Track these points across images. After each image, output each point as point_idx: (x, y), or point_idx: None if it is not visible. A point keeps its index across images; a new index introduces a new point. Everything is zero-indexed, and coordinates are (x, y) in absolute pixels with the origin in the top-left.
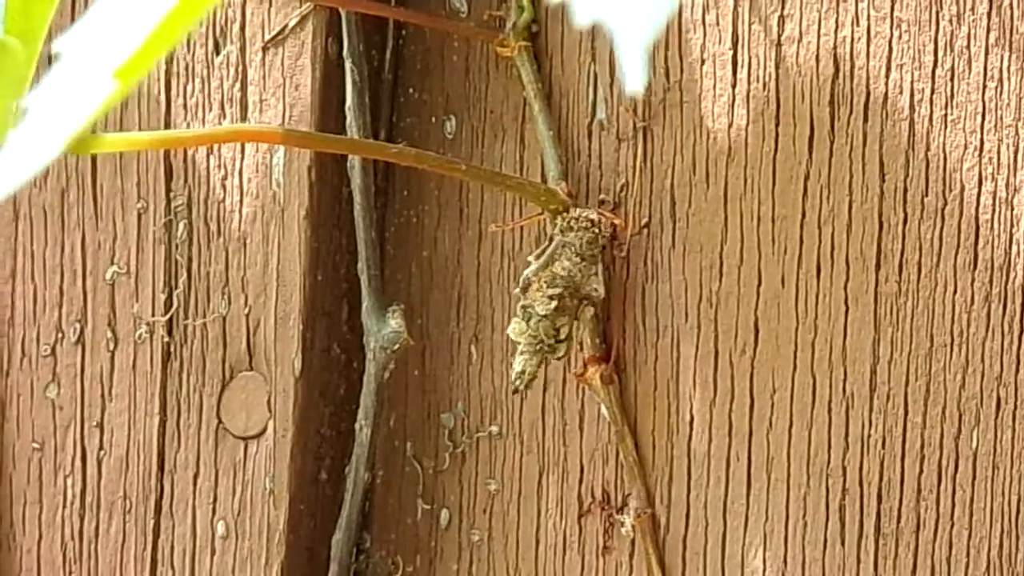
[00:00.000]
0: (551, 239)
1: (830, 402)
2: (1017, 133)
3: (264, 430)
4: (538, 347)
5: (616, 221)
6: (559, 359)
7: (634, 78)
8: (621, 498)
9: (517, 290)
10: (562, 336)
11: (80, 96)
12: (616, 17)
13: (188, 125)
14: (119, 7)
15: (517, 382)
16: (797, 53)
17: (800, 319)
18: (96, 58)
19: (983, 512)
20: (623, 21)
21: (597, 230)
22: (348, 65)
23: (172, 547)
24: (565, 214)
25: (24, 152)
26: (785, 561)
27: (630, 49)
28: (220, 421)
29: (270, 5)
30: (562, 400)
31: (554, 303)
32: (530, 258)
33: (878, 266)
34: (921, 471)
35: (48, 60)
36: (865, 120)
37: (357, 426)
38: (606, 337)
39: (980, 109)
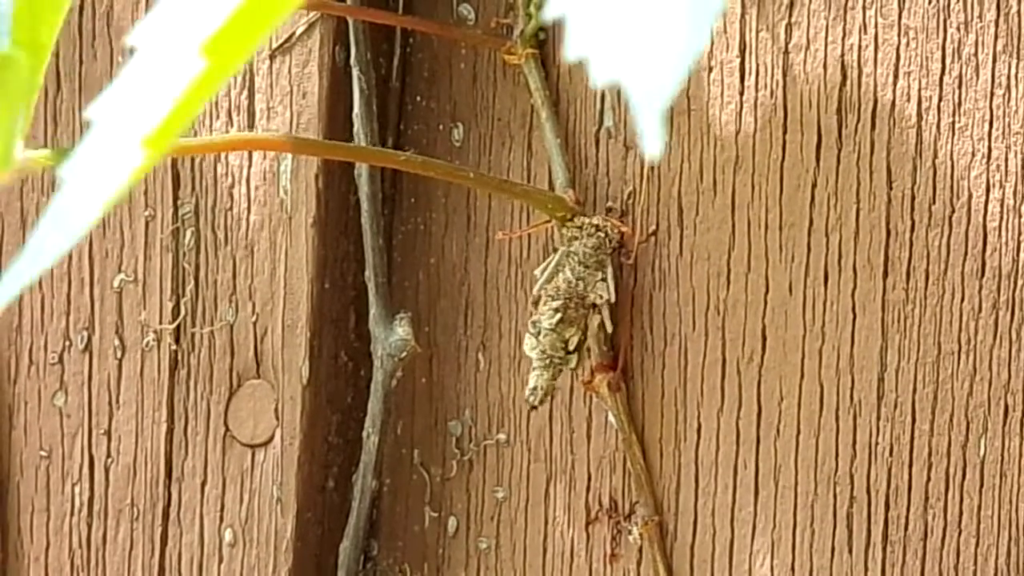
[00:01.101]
0: (556, 251)
1: (837, 409)
2: None
3: (271, 438)
4: (548, 361)
5: (623, 229)
6: (572, 370)
7: (653, 143)
8: (629, 506)
9: (531, 306)
10: (571, 347)
11: (110, 167)
12: (633, 80)
13: (195, 133)
14: (143, 73)
15: (531, 398)
16: (804, 61)
17: (808, 327)
18: (125, 125)
19: (991, 520)
20: (641, 84)
21: (603, 235)
22: (355, 73)
23: (180, 555)
24: (570, 223)
25: (59, 225)
26: (793, 569)
27: (648, 113)
28: (227, 429)
29: None
30: (570, 408)
31: (558, 315)
32: (536, 272)
33: (886, 274)
34: (929, 479)
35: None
36: (873, 127)
37: (364, 434)
38: (613, 345)
39: (988, 116)
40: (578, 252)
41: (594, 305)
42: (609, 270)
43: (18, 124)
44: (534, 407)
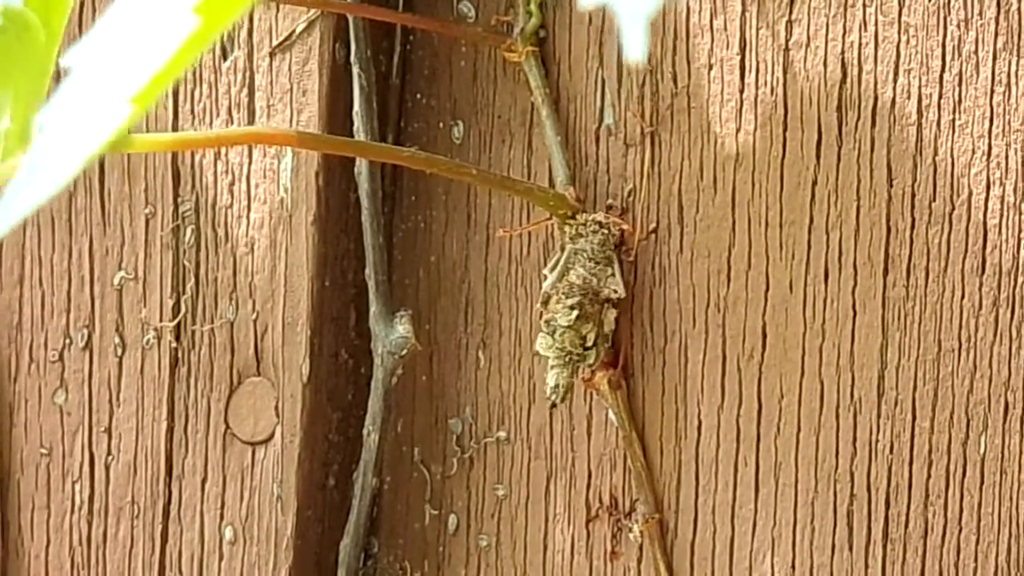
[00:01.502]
0: (562, 248)
1: (838, 407)
2: None
3: (272, 435)
4: (567, 359)
5: (624, 226)
6: (591, 366)
7: (635, 47)
8: (629, 503)
9: (539, 305)
10: (589, 343)
11: (94, 120)
12: None
13: (196, 131)
14: (130, 21)
15: (553, 396)
16: (805, 58)
17: (808, 324)
18: (109, 78)
19: (991, 517)
20: None
21: (606, 231)
22: (356, 70)
23: (180, 552)
24: (572, 220)
25: (36, 177)
26: (793, 566)
27: (632, 19)
28: (228, 426)
29: (277, 10)
30: (570, 405)
31: (575, 312)
32: (545, 271)
33: (886, 271)
34: (929, 476)
35: (57, 74)
36: (873, 125)
37: (365, 431)
38: (614, 342)
39: (988, 114)
40: (586, 249)
41: (608, 300)
42: (616, 265)
43: (36, 98)
44: (555, 405)
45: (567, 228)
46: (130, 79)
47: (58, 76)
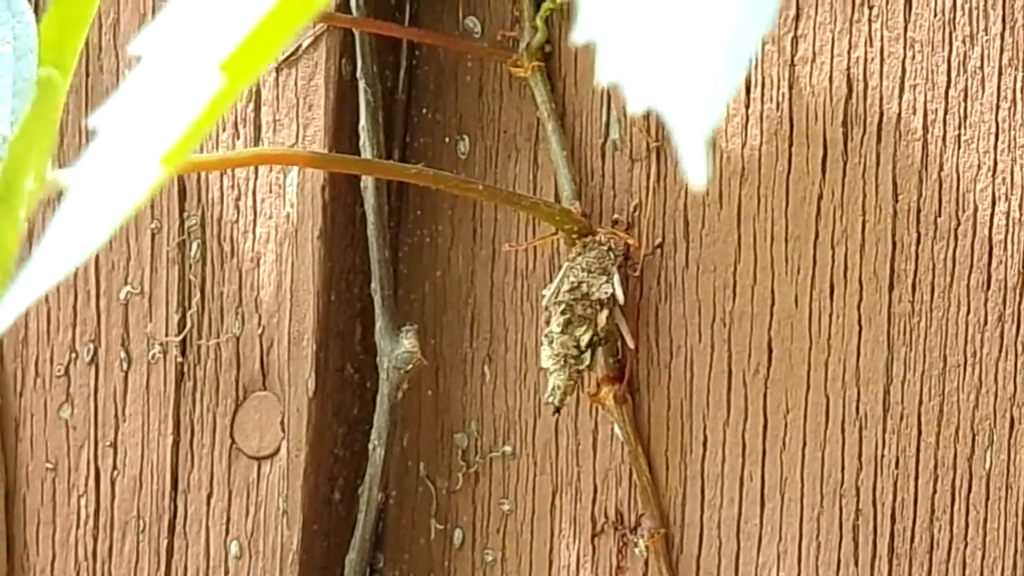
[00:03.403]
0: (562, 268)
1: (843, 422)
2: None
3: (277, 450)
4: (563, 362)
5: (629, 241)
6: (588, 368)
7: (697, 172)
8: (635, 518)
9: (543, 322)
10: (584, 346)
11: (124, 181)
12: (673, 106)
13: (201, 146)
14: (156, 86)
15: (551, 399)
16: (810, 73)
17: (813, 339)
18: (137, 138)
19: (996, 532)
20: (681, 111)
21: (606, 248)
22: (362, 85)
23: (185, 567)
24: (578, 241)
25: (69, 237)
26: None
27: (690, 141)
28: (233, 441)
29: None
30: (575, 420)
31: (565, 316)
32: (544, 292)
33: (891, 286)
34: (935, 491)
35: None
36: (878, 140)
37: (370, 446)
38: (620, 357)
39: (993, 129)
40: (580, 263)
41: (601, 303)
42: (616, 277)
43: (49, 151)
44: (557, 409)
45: (571, 251)
46: (159, 139)
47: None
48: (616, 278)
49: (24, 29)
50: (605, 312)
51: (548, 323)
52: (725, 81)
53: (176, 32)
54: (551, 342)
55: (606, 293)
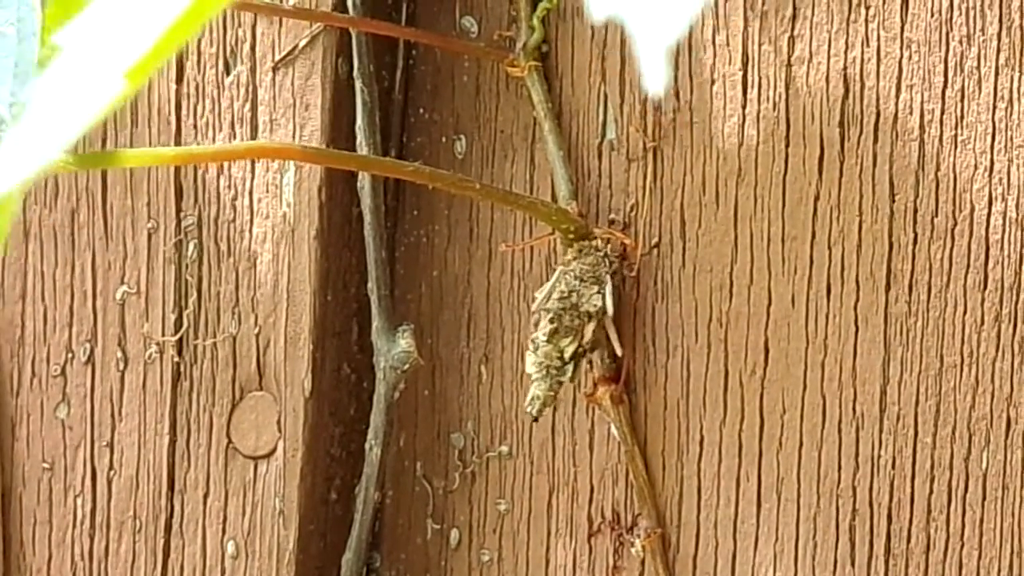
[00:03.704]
0: (555, 271)
1: (840, 422)
2: None
3: (274, 450)
4: (545, 372)
5: (626, 241)
6: (570, 380)
7: (655, 79)
8: (631, 518)
9: (532, 326)
10: (567, 357)
11: (87, 95)
12: (635, 16)
13: (198, 146)
14: (123, 3)
15: (530, 408)
16: (807, 74)
17: (810, 339)
18: (102, 55)
19: (993, 533)
20: (643, 21)
21: (601, 254)
22: (358, 85)
23: (182, 567)
24: (575, 244)
25: (26, 150)
26: None
27: (650, 50)
28: (230, 441)
29: (280, 25)
30: (572, 420)
31: (552, 326)
32: (536, 293)
33: (888, 286)
34: (931, 491)
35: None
36: (875, 140)
37: (367, 446)
38: (616, 357)
39: (990, 129)
40: (574, 269)
41: (589, 315)
42: (608, 286)
43: None
44: (535, 419)
45: (566, 255)
46: (124, 54)
47: None
48: (608, 287)
49: (28, 12)
50: (592, 325)
51: (536, 327)
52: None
53: None
54: (536, 349)
55: (595, 305)
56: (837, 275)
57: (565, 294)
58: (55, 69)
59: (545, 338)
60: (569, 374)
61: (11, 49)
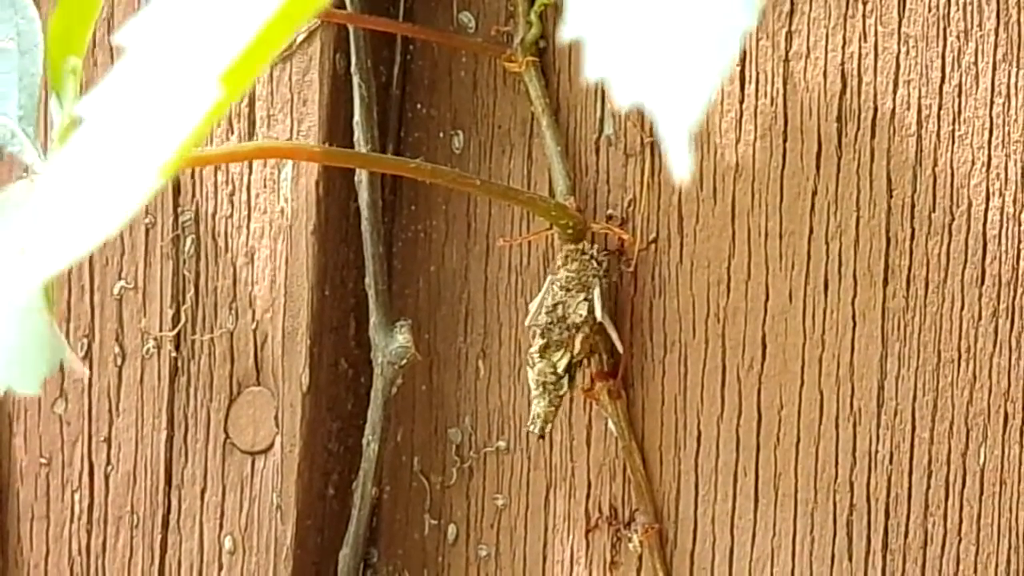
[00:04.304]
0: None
1: (837, 417)
2: None
3: (271, 445)
4: (542, 388)
5: (624, 236)
6: (566, 394)
7: (680, 164)
8: (628, 513)
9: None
10: (560, 371)
11: (118, 188)
12: (658, 102)
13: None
14: (147, 79)
15: (531, 427)
16: (804, 69)
17: (807, 334)
18: (130, 143)
19: (991, 528)
20: (666, 106)
21: (587, 257)
22: (356, 80)
23: (179, 562)
24: (562, 248)
25: (55, 244)
26: None
27: (674, 133)
28: (227, 436)
29: None
30: (570, 415)
31: (542, 341)
32: (530, 307)
33: (885, 281)
34: (928, 487)
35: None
36: (872, 136)
37: (364, 441)
38: (614, 352)
39: (988, 125)
40: (560, 278)
41: (576, 326)
42: (596, 290)
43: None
44: (539, 436)
45: (556, 260)
46: (156, 147)
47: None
48: (596, 291)
49: (28, 25)
50: (581, 335)
51: (531, 344)
52: (709, 76)
53: (165, 26)
54: (532, 366)
55: (580, 316)
56: (835, 270)
57: (551, 307)
58: (77, 146)
59: (538, 354)
60: (565, 388)
61: (14, 63)
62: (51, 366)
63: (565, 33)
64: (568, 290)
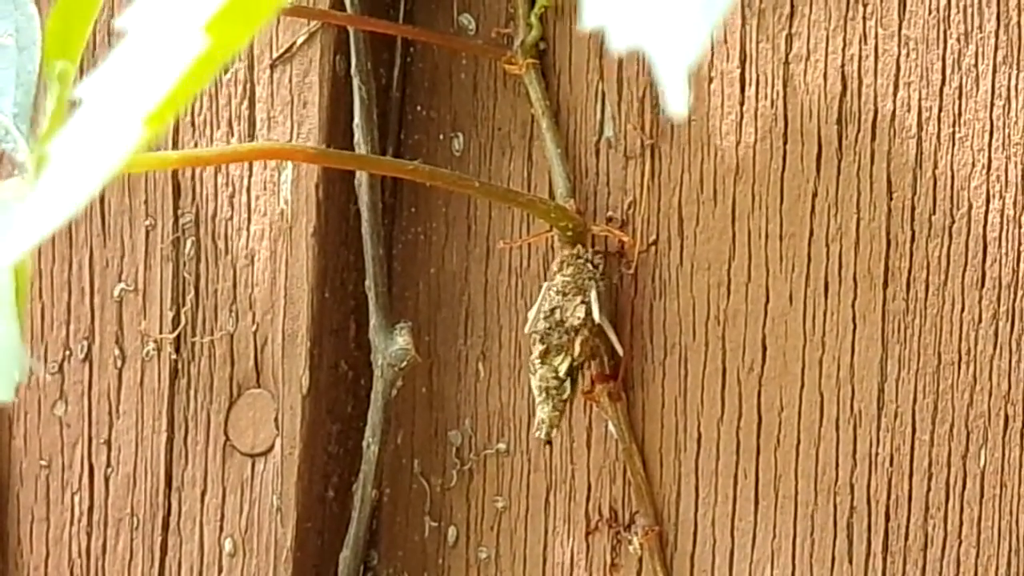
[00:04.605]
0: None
1: (838, 420)
2: None
3: (271, 447)
4: (545, 394)
5: (624, 238)
6: (568, 399)
7: (677, 100)
8: (629, 516)
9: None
10: (562, 374)
11: (106, 143)
12: (655, 43)
13: (195, 143)
14: (140, 52)
15: (538, 433)
16: (805, 71)
17: (808, 337)
18: (120, 103)
19: (991, 530)
20: (664, 45)
21: (582, 261)
22: (356, 82)
23: (179, 564)
24: (559, 253)
25: (51, 201)
26: None
27: (672, 71)
28: (228, 438)
29: (278, 23)
30: (570, 418)
31: (542, 346)
32: (528, 313)
33: (886, 284)
34: (929, 489)
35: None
36: (873, 138)
37: (364, 443)
38: (614, 355)
39: (988, 127)
40: (556, 283)
41: (575, 329)
42: (593, 292)
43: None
44: (546, 442)
45: (552, 266)
46: (142, 101)
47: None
48: (593, 293)
49: (27, 22)
50: (580, 338)
51: (532, 351)
52: (709, 14)
53: (162, 4)
54: (534, 372)
55: (578, 318)
56: (835, 272)
57: (548, 312)
58: (74, 123)
59: (539, 360)
60: (568, 392)
61: (12, 59)
62: (22, 371)
63: None
64: (565, 294)
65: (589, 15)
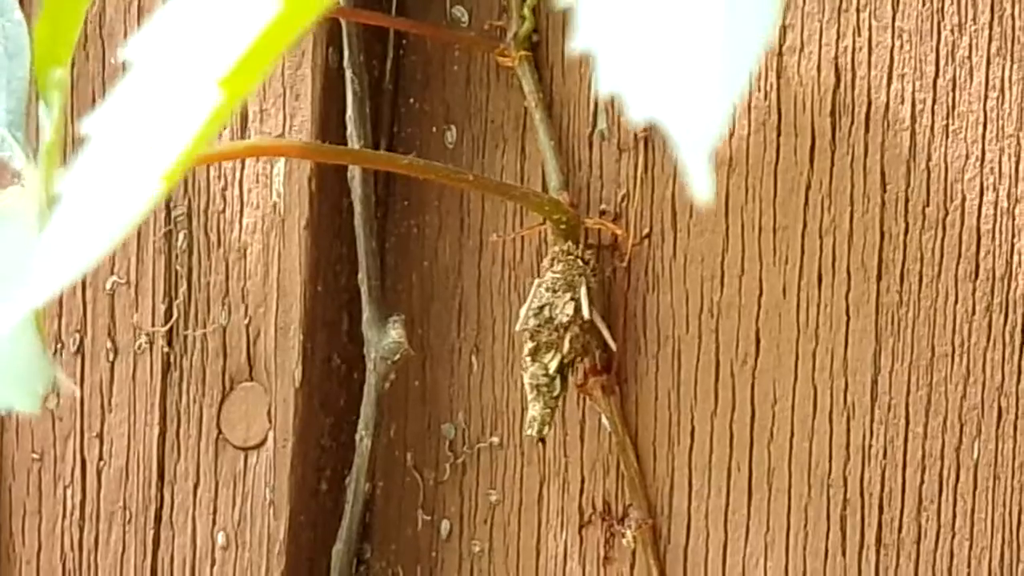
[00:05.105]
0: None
1: (831, 412)
2: (1018, 143)
3: (264, 441)
4: (537, 392)
5: (617, 231)
6: (559, 396)
7: (702, 186)
8: (622, 509)
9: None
10: (552, 372)
11: (123, 196)
12: (675, 119)
13: None
14: (152, 97)
15: (529, 431)
16: (798, 63)
17: (801, 329)
18: (134, 153)
19: (984, 523)
20: (683, 124)
21: (572, 257)
22: (349, 75)
23: (172, 558)
24: (549, 251)
25: (65, 252)
26: (786, 572)
27: (694, 153)
28: (220, 431)
29: None
30: (563, 411)
31: (532, 344)
32: (520, 311)
33: (879, 276)
34: (922, 481)
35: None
36: (866, 130)
37: (357, 437)
38: (607, 348)
39: (981, 119)
40: (546, 280)
41: (564, 326)
42: (582, 289)
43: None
44: (539, 440)
45: (544, 261)
46: (158, 155)
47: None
48: (583, 290)
49: (15, 28)
50: (569, 335)
51: (523, 349)
52: (726, 92)
53: (169, 39)
54: (525, 370)
55: (567, 315)
56: (828, 265)
57: (538, 310)
58: (84, 163)
59: (529, 358)
60: (559, 389)
61: (2, 67)
62: (46, 384)
63: (575, 44)
64: (554, 291)
65: (581, 39)
